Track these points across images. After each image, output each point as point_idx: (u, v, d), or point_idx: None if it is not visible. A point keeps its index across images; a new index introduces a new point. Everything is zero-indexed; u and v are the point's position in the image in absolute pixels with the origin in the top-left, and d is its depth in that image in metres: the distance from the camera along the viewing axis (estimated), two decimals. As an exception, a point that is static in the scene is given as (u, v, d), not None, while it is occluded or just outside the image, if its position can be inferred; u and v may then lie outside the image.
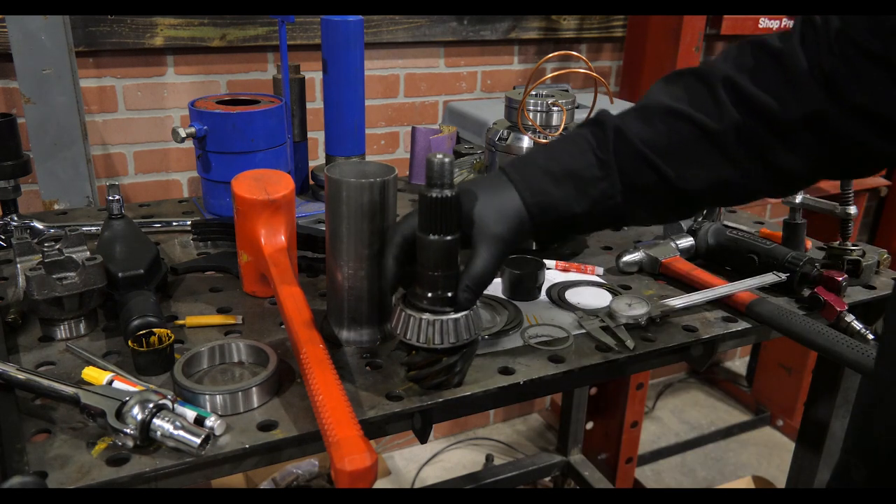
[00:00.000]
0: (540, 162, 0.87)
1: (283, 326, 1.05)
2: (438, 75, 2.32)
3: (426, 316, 0.84)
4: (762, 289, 1.18)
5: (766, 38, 0.84)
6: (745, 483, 2.37)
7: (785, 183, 0.88)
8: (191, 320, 1.05)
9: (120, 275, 1.02)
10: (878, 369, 0.72)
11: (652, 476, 2.72)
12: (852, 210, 1.30)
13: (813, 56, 0.80)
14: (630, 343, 1.02)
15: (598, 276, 1.26)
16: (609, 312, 1.07)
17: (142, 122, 2.01)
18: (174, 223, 1.40)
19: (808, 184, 0.89)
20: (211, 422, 0.81)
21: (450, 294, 0.84)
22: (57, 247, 1.00)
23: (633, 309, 1.06)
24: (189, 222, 1.37)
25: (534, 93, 1.28)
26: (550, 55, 1.28)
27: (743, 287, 1.15)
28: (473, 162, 1.43)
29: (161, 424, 0.77)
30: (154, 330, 0.93)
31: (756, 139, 0.83)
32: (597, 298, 1.17)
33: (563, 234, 0.91)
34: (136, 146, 2.03)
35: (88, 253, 1.03)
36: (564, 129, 1.26)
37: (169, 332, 0.94)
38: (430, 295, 0.84)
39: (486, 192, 0.87)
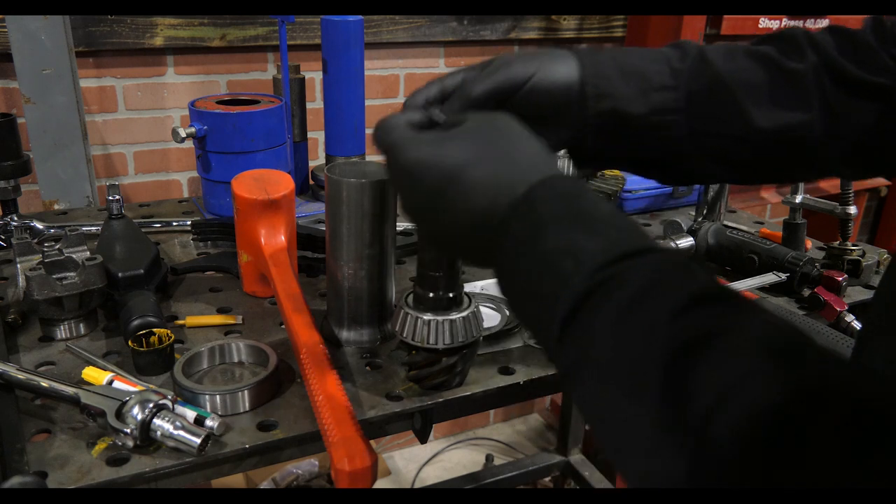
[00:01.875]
0: (610, 52, 0.80)
1: (283, 326, 1.04)
2: (438, 75, 2.32)
3: (427, 316, 0.84)
4: (762, 289, 1.18)
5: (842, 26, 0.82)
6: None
7: (851, 145, 0.80)
8: (191, 320, 1.05)
9: (120, 275, 1.02)
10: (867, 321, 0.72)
11: (652, 476, 2.71)
12: (852, 210, 1.30)
13: (888, 41, 0.79)
14: (630, 343, 1.02)
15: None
16: None
17: (142, 122, 2.01)
18: (174, 223, 1.40)
19: (877, 164, 0.84)
20: (211, 422, 0.81)
21: (451, 294, 0.84)
22: (57, 247, 1.00)
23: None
24: (189, 222, 1.37)
25: (534, 93, 1.28)
26: (550, 55, 1.27)
27: (743, 287, 1.14)
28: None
29: (161, 424, 0.77)
30: (154, 330, 0.93)
31: (827, 85, 0.78)
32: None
33: (612, 142, 0.80)
34: (136, 146, 2.03)
35: (88, 253, 1.03)
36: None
37: (169, 332, 0.94)
38: (431, 295, 0.84)
39: (549, 55, 0.78)
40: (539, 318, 0.54)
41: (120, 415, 0.78)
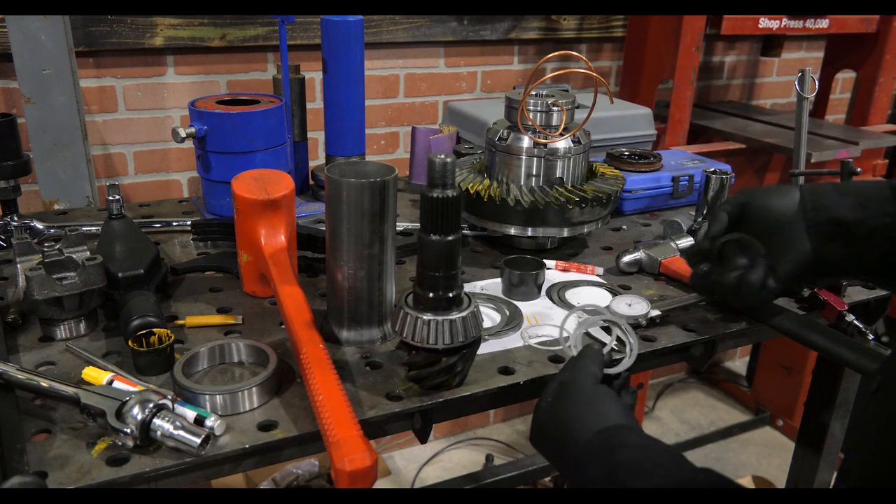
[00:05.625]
0: (830, 182, 0.94)
1: (283, 326, 1.04)
2: (438, 75, 2.32)
3: (427, 316, 0.84)
4: (762, 289, 1.18)
5: None
6: (745, 483, 2.37)
7: None
8: (191, 320, 1.05)
9: (120, 275, 1.02)
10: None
11: (652, 476, 2.71)
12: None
13: None
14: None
15: (598, 276, 1.26)
16: (608, 310, 1.07)
17: (142, 122, 2.01)
18: (174, 223, 1.40)
19: None
20: (211, 422, 0.81)
21: (451, 294, 0.84)
22: (57, 247, 1.00)
23: (633, 309, 1.06)
24: (189, 222, 1.37)
25: (534, 93, 1.28)
26: (550, 55, 1.28)
27: (743, 287, 1.14)
28: (473, 162, 1.43)
29: (161, 424, 0.77)
30: (154, 330, 0.93)
31: None
32: (597, 298, 1.17)
33: (838, 251, 0.91)
34: (136, 146, 2.03)
35: (88, 253, 1.03)
36: (564, 129, 1.26)
37: (169, 332, 0.94)
38: (430, 295, 0.84)
39: (774, 187, 0.95)
40: None
41: (120, 415, 0.78)
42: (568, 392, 0.81)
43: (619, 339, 0.98)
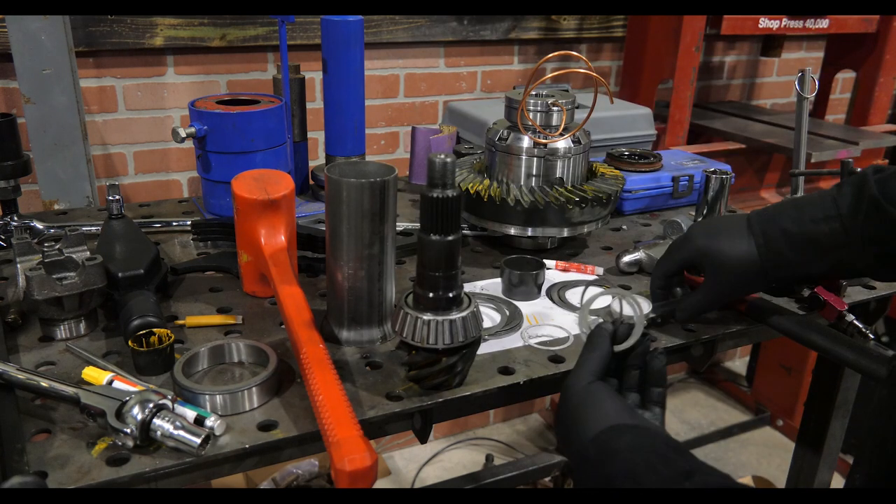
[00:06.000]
0: (783, 222, 0.92)
1: (283, 326, 1.05)
2: (438, 75, 2.32)
3: (427, 316, 0.84)
4: (762, 289, 1.18)
5: None
6: (745, 483, 2.37)
7: None
8: (191, 320, 1.05)
9: (120, 275, 1.02)
10: None
11: (652, 476, 2.71)
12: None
13: None
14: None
15: (598, 276, 1.26)
16: (609, 312, 1.07)
17: (142, 122, 2.01)
18: (174, 223, 1.40)
19: None
20: (211, 422, 0.81)
21: (451, 294, 0.84)
22: (57, 247, 1.00)
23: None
24: (189, 222, 1.37)
25: (534, 93, 1.28)
26: (550, 55, 1.28)
27: (743, 287, 1.14)
28: (473, 162, 1.43)
29: (161, 424, 0.77)
30: (154, 330, 0.93)
31: None
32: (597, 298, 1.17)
33: (797, 287, 1.05)
34: (136, 146, 2.03)
35: (88, 253, 1.03)
36: (564, 129, 1.26)
37: (169, 332, 0.94)
38: (430, 295, 0.84)
39: (728, 234, 0.95)
40: None
41: (120, 415, 0.78)
42: (565, 395, 0.82)
43: (625, 314, 0.99)
